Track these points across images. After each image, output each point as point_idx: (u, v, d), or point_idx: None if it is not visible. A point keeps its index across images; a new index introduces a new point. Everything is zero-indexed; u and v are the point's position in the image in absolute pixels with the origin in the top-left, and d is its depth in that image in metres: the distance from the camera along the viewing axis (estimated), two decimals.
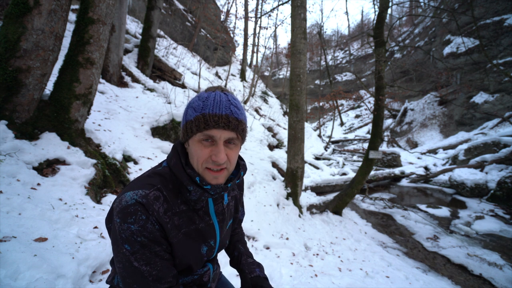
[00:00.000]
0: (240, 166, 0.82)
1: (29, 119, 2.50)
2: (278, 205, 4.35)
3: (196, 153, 0.68)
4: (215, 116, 0.65)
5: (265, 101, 16.46)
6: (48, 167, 2.39)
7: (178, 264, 0.75)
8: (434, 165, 10.24)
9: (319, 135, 16.08)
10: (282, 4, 7.20)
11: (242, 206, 1.07)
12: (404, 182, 8.78)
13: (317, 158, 10.78)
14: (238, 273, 1.00)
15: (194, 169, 0.70)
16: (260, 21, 18.44)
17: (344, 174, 7.96)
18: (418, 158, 12.11)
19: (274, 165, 6.15)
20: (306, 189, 6.04)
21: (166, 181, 0.71)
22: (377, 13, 5.63)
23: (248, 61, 19.37)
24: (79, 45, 2.77)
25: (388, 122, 19.97)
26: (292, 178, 4.69)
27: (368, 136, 18.33)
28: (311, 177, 6.89)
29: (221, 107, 0.66)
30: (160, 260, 0.66)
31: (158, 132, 4.68)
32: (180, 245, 0.72)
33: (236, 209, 0.97)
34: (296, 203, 4.62)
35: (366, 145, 16.37)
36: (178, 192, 0.72)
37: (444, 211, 5.89)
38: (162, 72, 7.48)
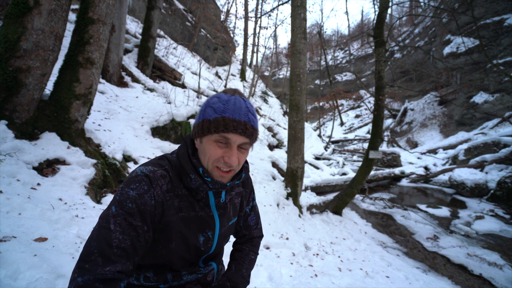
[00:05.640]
0: (243, 168, 0.84)
1: (29, 119, 2.50)
2: (278, 205, 4.35)
3: (209, 151, 0.71)
4: (235, 122, 0.68)
5: (265, 101, 16.45)
6: (48, 167, 2.39)
7: (176, 250, 0.76)
8: (434, 165, 10.23)
9: (319, 135, 16.07)
10: (282, 4, 7.20)
11: (254, 211, 1.06)
12: (404, 182, 8.77)
13: (317, 158, 10.78)
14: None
15: (200, 161, 0.75)
16: (260, 21, 18.46)
17: (344, 174, 7.95)
18: (418, 158, 12.10)
19: (274, 165, 6.15)
20: (306, 189, 6.04)
21: (172, 167, 0.76)
22: (377, 13, 5.63)
23: (248, 61, 19.36)
24: (79, 45, 2.77)
25: (388, 122, 19.95)
26: (292, 178, 4.68)
27: (368, 136, 18.32)
28: (311, 177, 6.88)
29: (240, 113, 0.70)
30: (135, 237, 0.64)
31: (158, 132, 4.68)
32: (177, 225, 0.74)
33: (241, 206, 0.98)
34: (296, 203, 4.62)
35: (366, 145, 16.37)
36: (181, 179, 0.77)
37: (444, 211, 5.89)
38: (162, 72, 7.48)
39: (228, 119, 0.68)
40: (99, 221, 0.65)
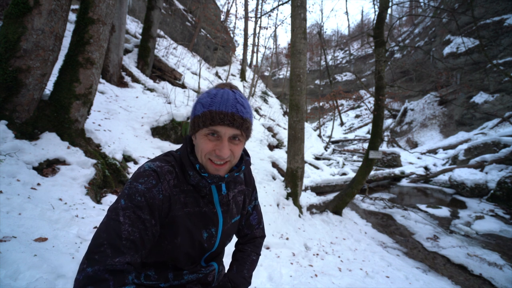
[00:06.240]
0: (243, 161, 0.85)
1: (29, 119, 2.50)
2: (278, 205, 4.35)
3: (201, 146, 0.73)
4: (221, 114, 0.69)
5: (265, 101, 16.45)
6: (48, 167, 2.39)
7: (181, 245, 0.76)
8: (434, 165, 10.24)
9: (319, 135, 16.07)
10: (282, 4, 7.20)
11: (256, 210, 1.07)
12: (404, 182, 8.78)
13: (317, 158, 10.78)
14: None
15: (196, 158, 0.77)
16: (260, 21, 18.47)
17: (344, 174, 7.95)
18: (418, 158, 12.10)
19: (274, 165, 6.15)
20: (306, 189, 6.04)
21: (177, 163, 0.79)
22: (377, 13, 5.63)
23: (248, 61, 19.36)
24: (79, 45, 2.77)
25: (388, 122, 19.95)
26: (292, 178, 4.68)
27: (368, 136, 18.32)
28: (311, 177, 6.88)
29: (227, 105, 0.70)
30: (143, 230, 0.65)
31: (158, 132, 4.68)
32: (183, 220, 0.75)
33: (244, 205, 0.98)
34: (296, 203, 4.62)
35: (366, 145, 16.36)
36: (184, 175, 0.79)
37: (444, 211, 5.89)
38: (162, 72, 7.48)
39: (214, 112, 0.69)
40: (108, 213, 0.66)
